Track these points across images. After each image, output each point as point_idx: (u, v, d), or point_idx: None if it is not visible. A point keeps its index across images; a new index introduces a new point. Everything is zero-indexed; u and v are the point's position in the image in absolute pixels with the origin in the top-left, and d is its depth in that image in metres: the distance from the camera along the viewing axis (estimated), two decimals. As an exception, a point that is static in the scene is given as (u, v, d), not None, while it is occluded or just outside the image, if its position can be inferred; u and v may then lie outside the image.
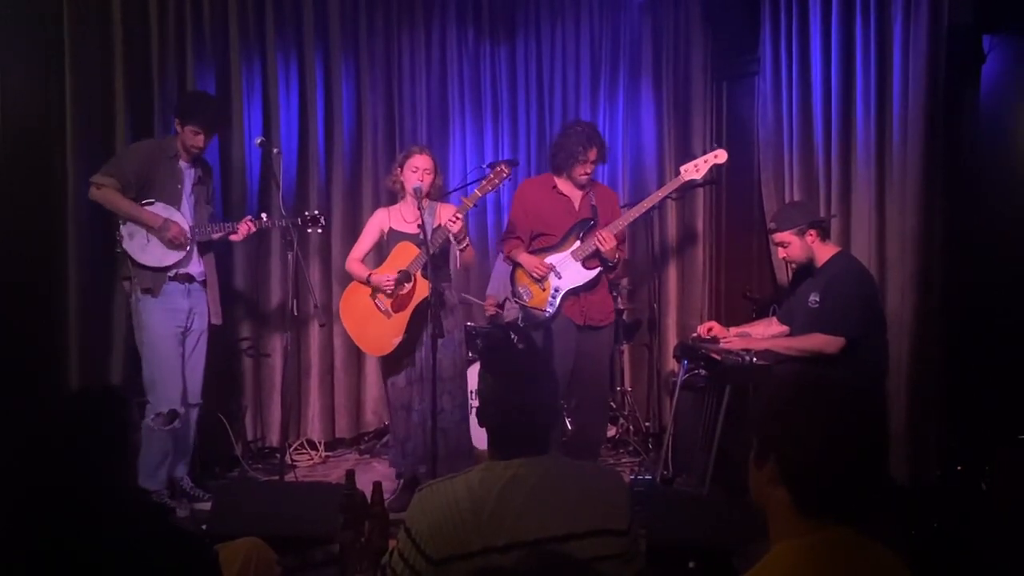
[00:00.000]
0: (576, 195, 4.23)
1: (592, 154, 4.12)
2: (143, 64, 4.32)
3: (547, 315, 4.11)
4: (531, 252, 4.20)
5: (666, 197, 4.80)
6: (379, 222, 4.11)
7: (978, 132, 3.99)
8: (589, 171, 4.17)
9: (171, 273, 3.92)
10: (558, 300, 4.12)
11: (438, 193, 4.09)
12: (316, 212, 4.26)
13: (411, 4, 5.25)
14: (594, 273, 4.15)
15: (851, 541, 1.27)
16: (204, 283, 4.08)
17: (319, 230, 4.32)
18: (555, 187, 4.22)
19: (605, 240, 4.05)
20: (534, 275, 4.13)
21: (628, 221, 4.20)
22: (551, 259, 4.14)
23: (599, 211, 4.22)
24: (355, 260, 4.06)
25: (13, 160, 3.94)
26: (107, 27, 4.18)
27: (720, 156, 4.23)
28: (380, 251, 4.18)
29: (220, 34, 4.62)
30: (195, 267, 4.02)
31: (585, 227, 4.16)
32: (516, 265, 4.21)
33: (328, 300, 4.99)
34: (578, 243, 4.14)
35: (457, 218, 3.76)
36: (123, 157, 3.92)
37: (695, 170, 4.22)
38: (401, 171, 4.00)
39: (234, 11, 4.64)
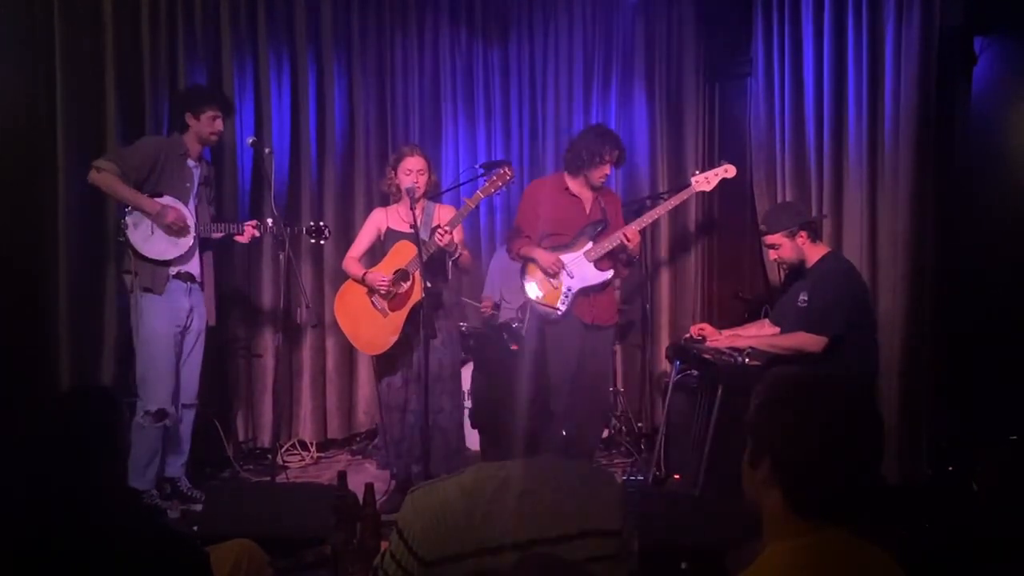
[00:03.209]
0: (588, 197, 4.23)
1: (615, 157, 4.17)
2: (134, 64, 4.29)
3: (559, 313, 4.11)
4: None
5: (656, 196, 4.86)
6: (377, 221, 4.11)
7: (970, 133, 4.00)
8: (608, 173, 4.19)
9: (173, 271, 3.89)
10: (570, 299, 4.12)
11: (435, 191, 4.08)
12: (321, 224, 4.25)
13: (404, 4, 5.24)
14: (607, 275, 4.16)
15: (845, 542, 1.26)
16: (202, 283, 4.06)
17: (322, 241, 4.28)
18: (567, 188, 4.22)
19: (632, 236, 4.07)
20: (548, 271, 4.12)
21: (647, 223, 4.22)
22: (563, 258, 4.14)
23: (608, 214, 4.23)
24: (352, 259, 4.05)
25: (3, 160, 3.91)
26: (98, 27, 4.15)
27: (730, 171, 4.30)
28: (375, 251, 4.16)
29: (212, 34, 4.60)
30: (195, 266, 4.00)
31: (597, 229, 4.16)
32: (528, 261, 4.19)
33: (320, 301, 4.97)
34: (590, 244, 4.14)
35: (445, 231, 3.74)
36: (131, 149, 3.88)
37: (706, 182, 4.30)
38: (395, 174, 3.99)
39: (226, 11, 4.62)
